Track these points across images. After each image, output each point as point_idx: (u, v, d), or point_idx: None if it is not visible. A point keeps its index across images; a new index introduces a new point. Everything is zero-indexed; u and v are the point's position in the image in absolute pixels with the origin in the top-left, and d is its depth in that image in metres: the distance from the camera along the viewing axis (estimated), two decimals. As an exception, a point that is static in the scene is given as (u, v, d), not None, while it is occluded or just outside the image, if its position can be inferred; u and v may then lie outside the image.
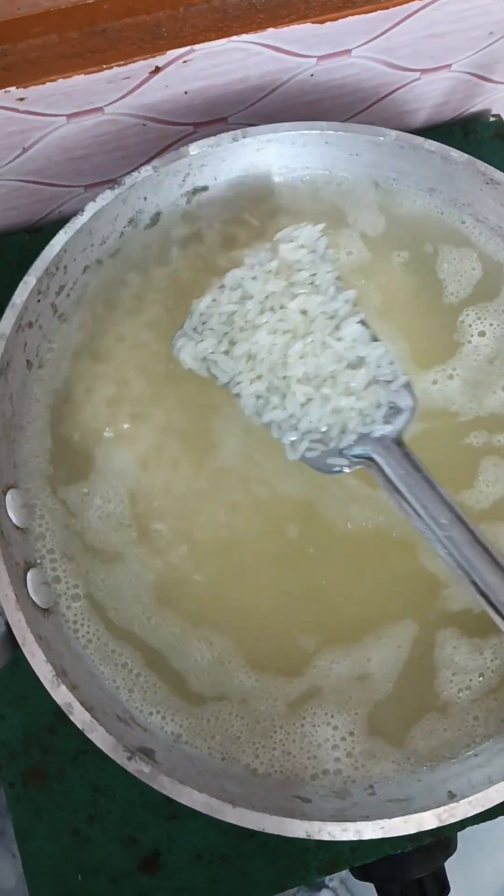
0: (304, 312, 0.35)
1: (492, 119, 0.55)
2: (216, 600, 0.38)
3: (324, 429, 0.35)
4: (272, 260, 0.35)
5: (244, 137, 0.41)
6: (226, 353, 0.35)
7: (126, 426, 0.39)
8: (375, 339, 0.35)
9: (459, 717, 0.37)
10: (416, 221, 0.44)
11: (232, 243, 0.43)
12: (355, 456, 0.35)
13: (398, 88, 0.51)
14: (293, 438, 0.35)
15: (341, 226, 0.44)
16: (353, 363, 0.35)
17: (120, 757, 0.32)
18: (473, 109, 0.56)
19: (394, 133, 0.42)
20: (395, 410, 0.35)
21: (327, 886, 0.67)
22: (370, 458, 0.34)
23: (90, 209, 0.39)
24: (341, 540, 0.39)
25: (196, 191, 0.43)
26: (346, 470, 0.35)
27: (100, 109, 0.45)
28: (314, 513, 0.39)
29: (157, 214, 0.43)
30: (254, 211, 0.44)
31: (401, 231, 0.44)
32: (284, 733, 0.36)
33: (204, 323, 0.35)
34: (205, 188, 0.43)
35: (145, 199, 0.41)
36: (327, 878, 0.67)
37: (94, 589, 0.37)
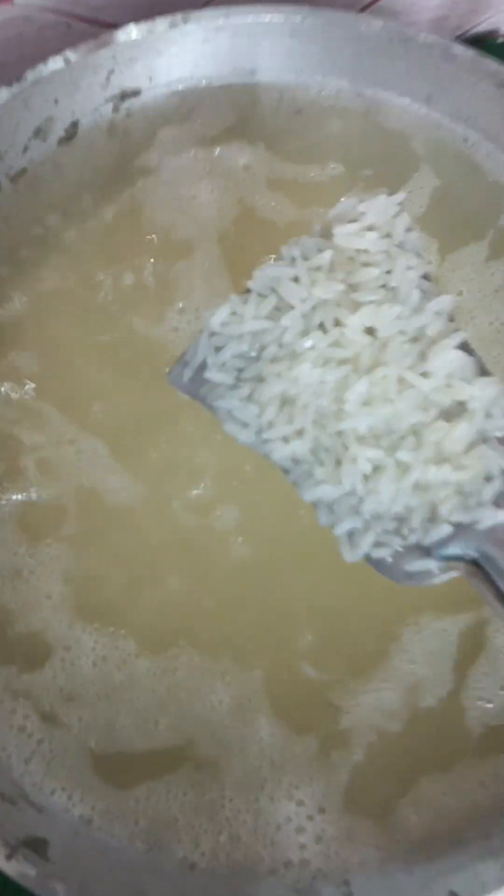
0: (371, 332, 0.23)
1: (500, 41, 0.46)
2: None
3: (401, 514, 0.23)
4: (324, 250, 0.24)
5: (185, 24, 0.32)
6: (248, 397, 0.24)
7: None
8: (485, 373, 0.24)
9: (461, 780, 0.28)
10: (405, 140, 0.35)
11: (186, 175, 0.34)
12: (451, 557, 0.23)
13: (387, -8, 0.42)
14: (352, 527, 0.23)
15: (313, 153, 0.34)
16: (448, 411, 0.23)
17: (-6, 855, 0.23)
18: (478, 29, 0.47)
19: (380, 22, 0.32)
20: None
21: None
22: (474, 562, 0.23)
23: (-22, 111, 0.29)
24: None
25: (125, 95, 0.34)
26: (436, 579, 0.23)
27: (7, 0, 0.35)
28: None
29: (75, 125, 0.33)
30: (203, 126, 0.34)
31: (386, 156, 0.34)
32: (233, 810, 0.27)
33: (218, 350, 0.24)
34: (136, 92, 0.34)
35: (56, 102, 0.32)
36: None
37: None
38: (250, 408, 0.23)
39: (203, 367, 0.24)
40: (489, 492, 0.23)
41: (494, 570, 0.22)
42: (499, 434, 0.23)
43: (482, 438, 0.23)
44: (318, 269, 0.24)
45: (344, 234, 0.24)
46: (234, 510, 0.30)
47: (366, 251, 0.24)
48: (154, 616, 0.29)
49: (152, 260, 0.32)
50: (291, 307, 0.23)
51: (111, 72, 0.33)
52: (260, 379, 0.23)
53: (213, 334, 0.24)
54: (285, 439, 0.23)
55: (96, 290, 0.32)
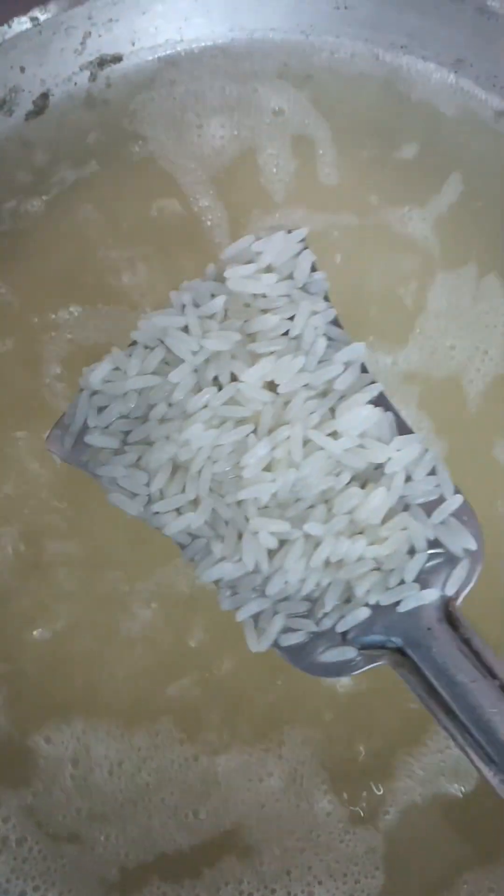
0: (271, 387, 0.21)
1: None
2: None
3: (313, 595, 0.20)
4: (217, 296, 0.21)
5: (173, -26, 0.27)
6: (136, 464, 0.21)
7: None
8: (404, 430, 0.21)
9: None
10: (432, 114, 0.30)
11: (171, 158, 0.29)
12: (371, 644, 0.20)
13: None
14: (257, 611, 0.20)
15: (318, 125, 0.30)
16: (363, 476, 0.21)
17: None
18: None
19: (403, -30, 0.27)
20: (443, 560, 0.20)
21: None
22: (399, 650, 0.20)
23: None
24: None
25: (103, 62, 0.29)
26: (358, 670, 0.20)
27: None
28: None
29: (45, 96, 0.29)
30: (196, 101, 0.30)
31: (414, 130, 0.30)
32: None
33: (100, 410, 0.21)
34: (117, 58, 0.29)
35: (23, 70, 0.28)
36: None
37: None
38: (138, 475, 0.21)
39: (84, 430, 0.21)
40: (412, 568, 0.20)
41: (423, 659, 0.19)
42: (422, 500, 0.20)
43: (403, 506, 0.20)
44: (210, 317, 0.21)
45: (238, 278, 0.21)
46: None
47: (263, 296, 0.21)
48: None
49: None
50: (181, 361, 0.21)
51: (87, 34, 0.29)
52: (148, 442, 0.21)
53: (94, 393, 0.21)
54: (178, 511, 0.21)
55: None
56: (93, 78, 0.30)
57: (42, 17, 0.27)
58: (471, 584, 0.20)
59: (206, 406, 0.20)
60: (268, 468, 0.20)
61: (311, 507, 0.20)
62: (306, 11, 0.30)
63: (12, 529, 0.26)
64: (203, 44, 0.30)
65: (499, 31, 0.28)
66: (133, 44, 0.30)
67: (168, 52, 0.30)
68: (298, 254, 0.22)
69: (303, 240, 0.22)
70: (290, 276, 0.22)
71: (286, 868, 0.25)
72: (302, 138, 0.30)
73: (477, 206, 0.30)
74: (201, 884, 0.24)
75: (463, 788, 0.25)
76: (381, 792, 0.25)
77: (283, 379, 0.20)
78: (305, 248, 0.22)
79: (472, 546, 0.20)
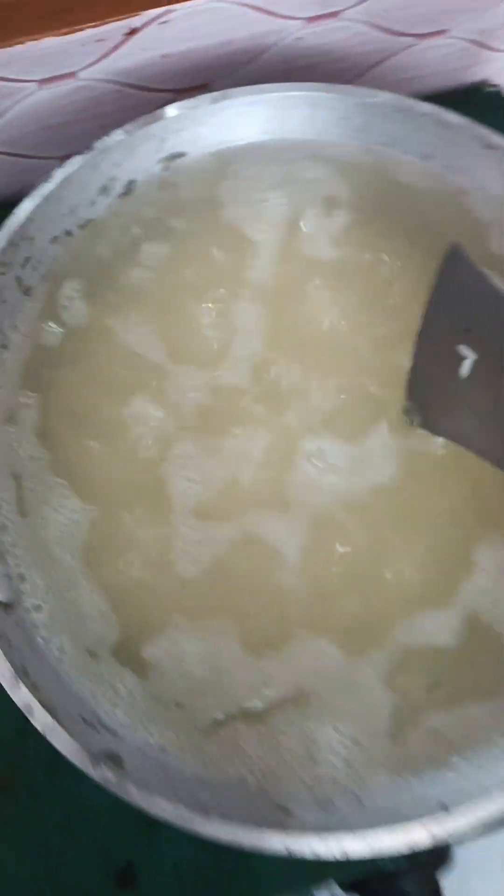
0: None
1: (491, 89, 0.53)
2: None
3: None
4: None
5: (224, 99, 0.39)
6: None
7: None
8: None
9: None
10: (408, 189, 0.41)
11: (219, 220, 0.40)
12: None
13: (392, 56, 0.48)
14: None
15: (332, 198, 0.41)
16: None
17: (84, 763, 0.30)
18: (473, 80, 0.53)
19: (385, 94, 0.39)
20: None
21: None
22: None
23: (58, 175, 0.37)
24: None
25: (173, 157, 0.40)
26: None
27: (73, 75, 0.42)
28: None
29: (132, 182, 0.40)
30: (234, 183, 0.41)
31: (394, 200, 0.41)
32: (286, 741, 0.33)
33: None
34: (182, 154, 0.40)
35: (118, 165, 0.39)
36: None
37: (64, 590, 0.34)
38: None
39: None
40: None
41: None
42: None
43: None
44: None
45: None
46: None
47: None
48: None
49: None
50: None
51: (162, 140, 0.39)
52: None
53: None
54: None
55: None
56: (165, 169, 0.41)
57: (133, 130, 0.38)
58: None
59: None
60: None
61: None
62: (318, 120, 0.41)
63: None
64: (243, 143, 0.42)
65: (454, 133, 0.40)
66: (194, 144, 0.40)
67: (219, 149, 0.41)
68: None
69: None
70: None
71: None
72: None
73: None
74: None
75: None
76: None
77: None
78: None
79: None
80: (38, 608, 0.34)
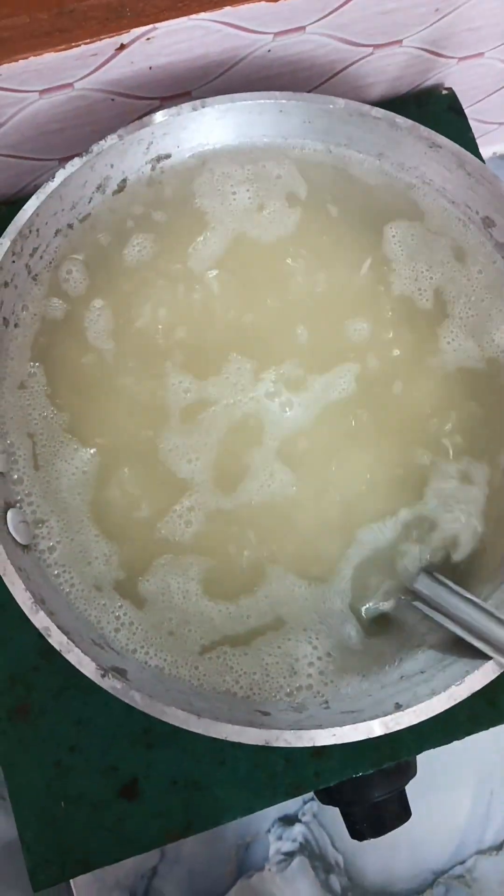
0: None
1: (444, 92, 0.58)
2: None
3: None
4: None
5: (203, 107, 0.44)
6: None
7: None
8: None
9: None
10: (365, 185, 0.47)
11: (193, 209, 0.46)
12: None
13: (352, 63, 0.54)
14: None
15: (294, 192, 0.47)
16: None
17: (94, 674, 0.35)
18: (427, 84, 0.59)
19: (343, 101, 0.45)
20: None
21: (300, 821, 0.70)
22: None
23: (60, 175, 0.42)
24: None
25: (160, 158, 0.46)
26: None
27: (70, 85, 0.47)
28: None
29: (124, 181, 0.45)
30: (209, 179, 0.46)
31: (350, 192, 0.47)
32: (271, 655, 0.39)
33: None
34: (168, 156, 0.46)
35: (112, 166, 0.44)
36: (300, 812, 0.69)
37: (74, 534, 0.40)
38: None
39: None
40: None
41: None
42: None
43: None
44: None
45: None
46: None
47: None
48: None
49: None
50: None
51: (150, 143, 0.45)
52: None
53: None
54: None
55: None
56: (153, 168, 0.46)
57: (125, 134, 0.44)
58: None
59: None
60: None
61: None
62: (285, 124, 0.46)
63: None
64: (220, 145, 0.47)
65: (404, 135, 0.45)
66: (177, 147, 0.46)
67: (199, 150, 0.47)
68: None
69: None
70: None
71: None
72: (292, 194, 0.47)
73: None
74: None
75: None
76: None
77: None
78: None
79: None
80: (52, 549, 0.39)
